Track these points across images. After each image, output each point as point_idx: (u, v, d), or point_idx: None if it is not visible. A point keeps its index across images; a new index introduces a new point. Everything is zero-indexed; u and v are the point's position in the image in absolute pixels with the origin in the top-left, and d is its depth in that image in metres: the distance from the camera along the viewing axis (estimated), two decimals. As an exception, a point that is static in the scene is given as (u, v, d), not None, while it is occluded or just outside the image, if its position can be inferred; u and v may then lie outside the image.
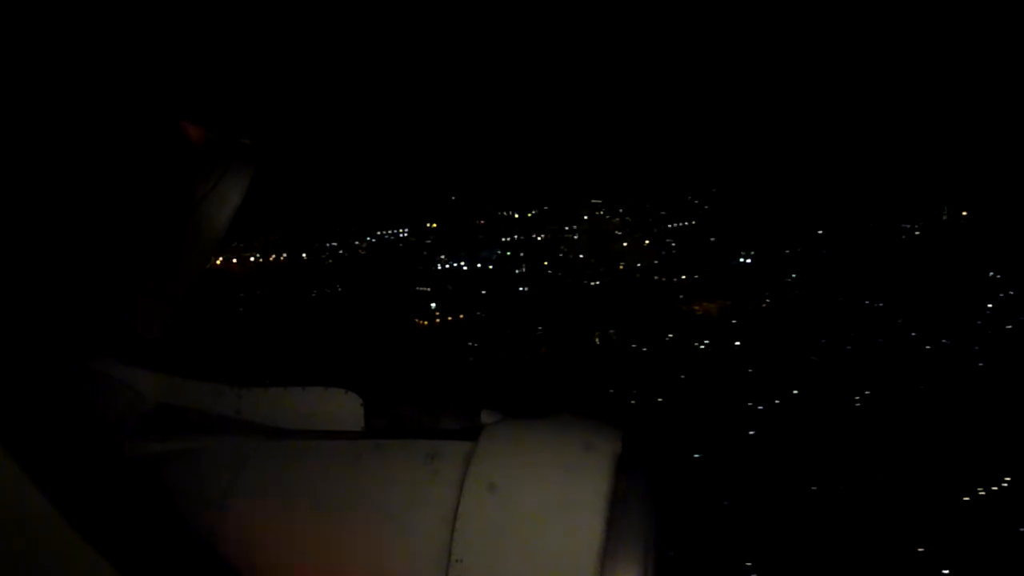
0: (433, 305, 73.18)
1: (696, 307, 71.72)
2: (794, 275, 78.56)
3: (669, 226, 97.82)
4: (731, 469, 42.36)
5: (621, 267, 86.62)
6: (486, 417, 1.53)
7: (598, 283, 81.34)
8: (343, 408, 1.67)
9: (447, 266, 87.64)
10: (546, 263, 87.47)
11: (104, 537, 1.09)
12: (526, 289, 79.77)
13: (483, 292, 77.78)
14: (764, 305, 71.26)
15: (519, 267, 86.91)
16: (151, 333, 2.12)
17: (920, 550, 35.15)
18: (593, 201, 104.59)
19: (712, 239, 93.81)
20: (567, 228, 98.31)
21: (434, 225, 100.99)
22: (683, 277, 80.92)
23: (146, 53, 1.95)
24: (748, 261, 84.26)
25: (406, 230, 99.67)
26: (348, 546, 1.40)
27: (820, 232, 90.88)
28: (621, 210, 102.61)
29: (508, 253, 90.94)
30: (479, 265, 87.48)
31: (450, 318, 70.33)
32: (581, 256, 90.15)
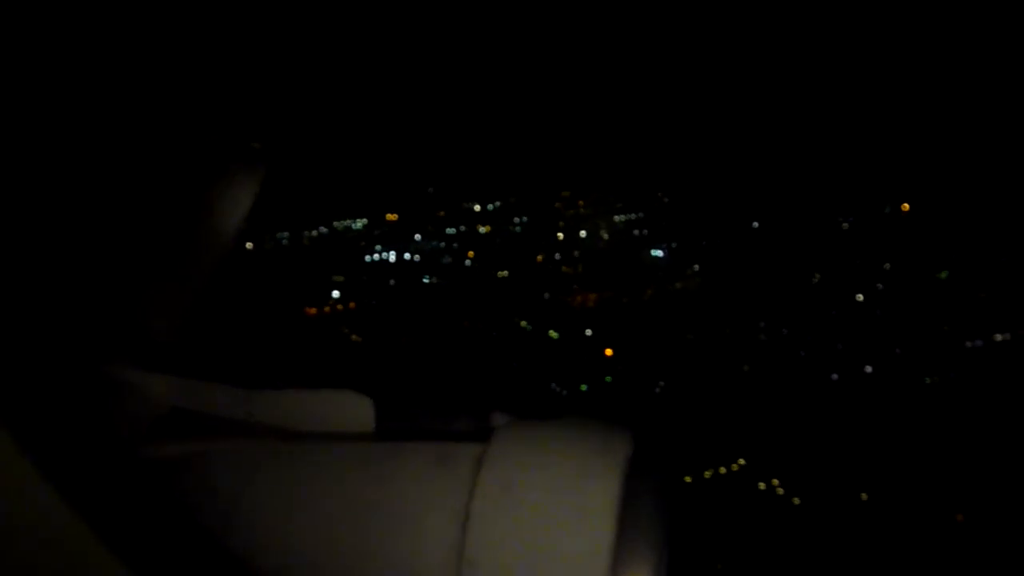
0: (336, 294, 76.68)
1: (578, 298, 73.31)
2: (696, 267, 79.11)
3: (615, 218, 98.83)
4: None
5: (539, 259, 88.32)
6: (497, 419, 1.56)
7: (506, 274, 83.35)
8: (354, 410, 1.68)
9: (375, 257, 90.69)
10: (471, 254, 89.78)
11: (118, 540, 1.09)
12: (432, 280, 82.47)
13: (390, 282, 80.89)
14: (644, 297, 72.37)
15: (443, 258, 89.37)
16: (163, 336, 2.13)
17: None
18: (563, 193, 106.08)
19: (645, 231, 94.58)
20: (515, 220, 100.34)
21: (394, 217, 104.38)
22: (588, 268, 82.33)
23: (158, 55, 2.04)
24: (660, 253, 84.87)
25: (364, 220, 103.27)
26: (359, 549, 1.40)
27: (755, 224, 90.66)
28: (581, 202, 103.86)
29: (442, 244, 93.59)
30: (407, 256, 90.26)
31: (340, 306, 73.76)
32: (507, 247, 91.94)
